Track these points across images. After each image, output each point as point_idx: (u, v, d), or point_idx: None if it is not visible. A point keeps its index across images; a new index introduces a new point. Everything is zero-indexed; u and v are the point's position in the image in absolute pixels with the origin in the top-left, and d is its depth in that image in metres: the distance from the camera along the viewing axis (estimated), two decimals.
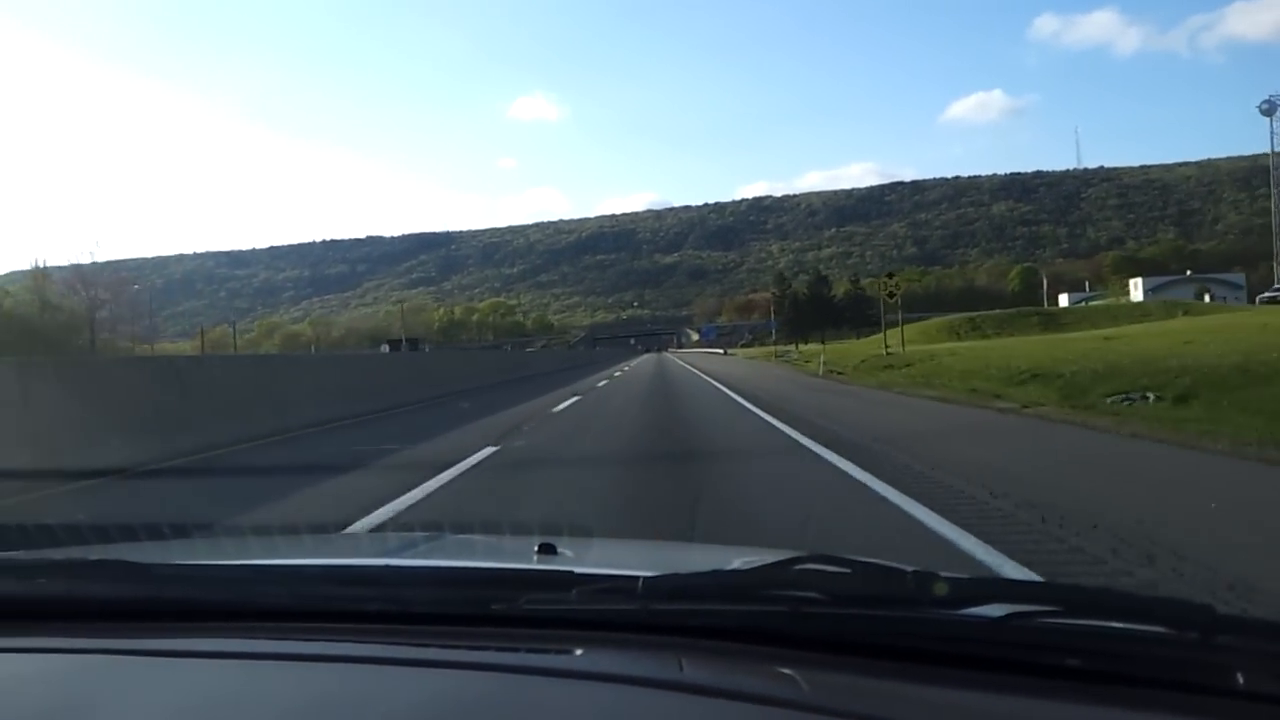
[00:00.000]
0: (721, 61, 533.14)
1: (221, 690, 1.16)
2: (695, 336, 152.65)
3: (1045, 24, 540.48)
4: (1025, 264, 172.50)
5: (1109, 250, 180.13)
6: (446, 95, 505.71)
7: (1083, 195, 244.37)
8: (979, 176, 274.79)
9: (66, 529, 3.66)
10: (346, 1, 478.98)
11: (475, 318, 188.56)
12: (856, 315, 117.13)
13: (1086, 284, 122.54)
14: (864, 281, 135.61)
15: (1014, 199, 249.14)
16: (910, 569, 1.19)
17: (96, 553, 1.79)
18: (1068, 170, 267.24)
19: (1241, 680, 0.97)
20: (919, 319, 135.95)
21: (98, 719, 1.06)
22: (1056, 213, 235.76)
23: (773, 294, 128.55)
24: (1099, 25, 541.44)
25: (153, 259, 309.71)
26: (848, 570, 1.20)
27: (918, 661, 1.08)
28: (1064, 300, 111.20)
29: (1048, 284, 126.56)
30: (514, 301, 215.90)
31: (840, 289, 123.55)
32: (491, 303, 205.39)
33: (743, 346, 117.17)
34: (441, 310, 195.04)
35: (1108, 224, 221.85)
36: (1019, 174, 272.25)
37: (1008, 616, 1.09)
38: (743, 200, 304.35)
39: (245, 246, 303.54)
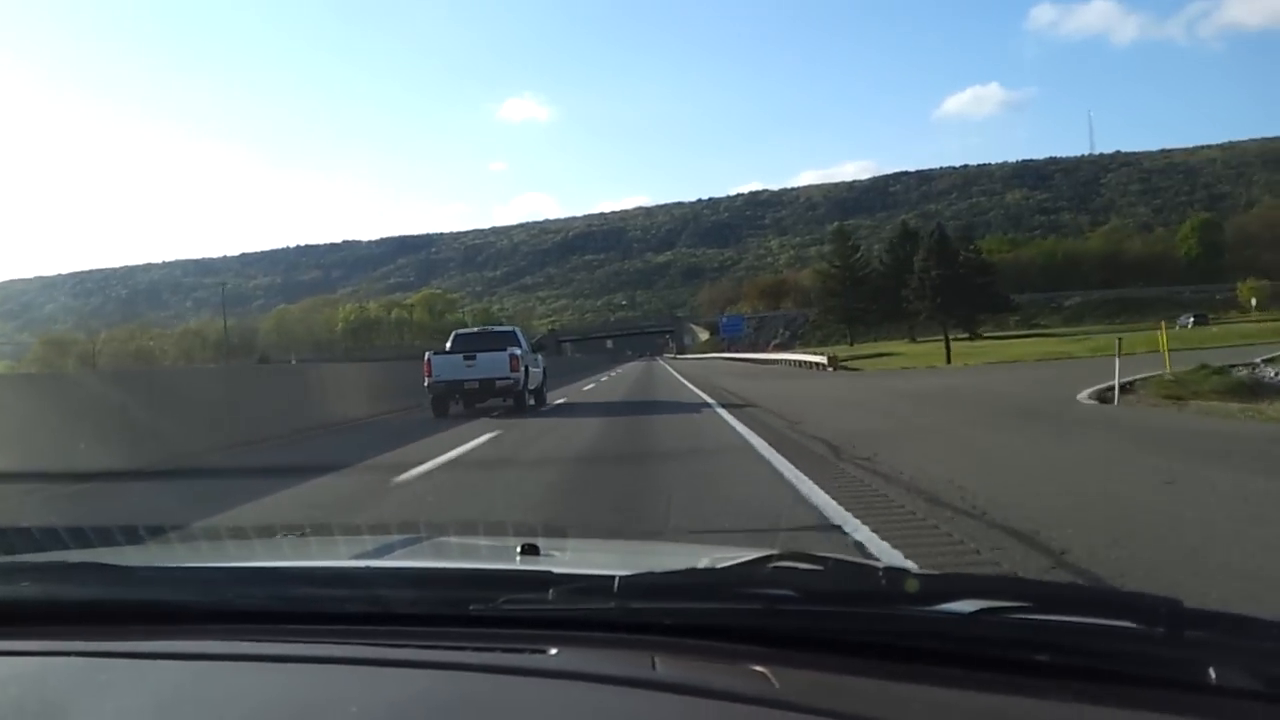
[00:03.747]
0: (712, 62, 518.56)
1: (200, 691, 1.17)
2: (704, 335, 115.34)
3: (1042, 14, 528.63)
4: (1203, 216, 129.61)
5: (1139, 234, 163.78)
6: (434, 97, 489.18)
7: (1101, 181, 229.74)
8: (989, 165, 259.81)
9: (45, 532, 3.72)
10: (334, 1, 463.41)
11: (394, 314, 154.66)
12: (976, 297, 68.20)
13: None
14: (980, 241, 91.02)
15: (1028, 187, 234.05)
16: (882, 566, 1.20)
17: (75, 556, 1.83)
18: (1084, 156, 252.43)
19: (1213, 675, 0.96)
20: (1052, 301, 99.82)
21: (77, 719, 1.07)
22: (1076, 199, 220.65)
23: (877, 261, 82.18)
24: (1097, 14, 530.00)
25: (119, 269, 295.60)
26: (820, 568, 1.20)
27: (889, 658, 1.08)
28: None
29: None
30: (455, 295, 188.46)
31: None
32: (425, 295, 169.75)
33: (773, 348, 76.22)
34: (349, 307, 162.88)
35: (1132, 209, 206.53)
36: (1032, 161, 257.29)
37: (979, 612, 1.09)
38: (738, 195, 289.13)
39: (216, 254, 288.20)
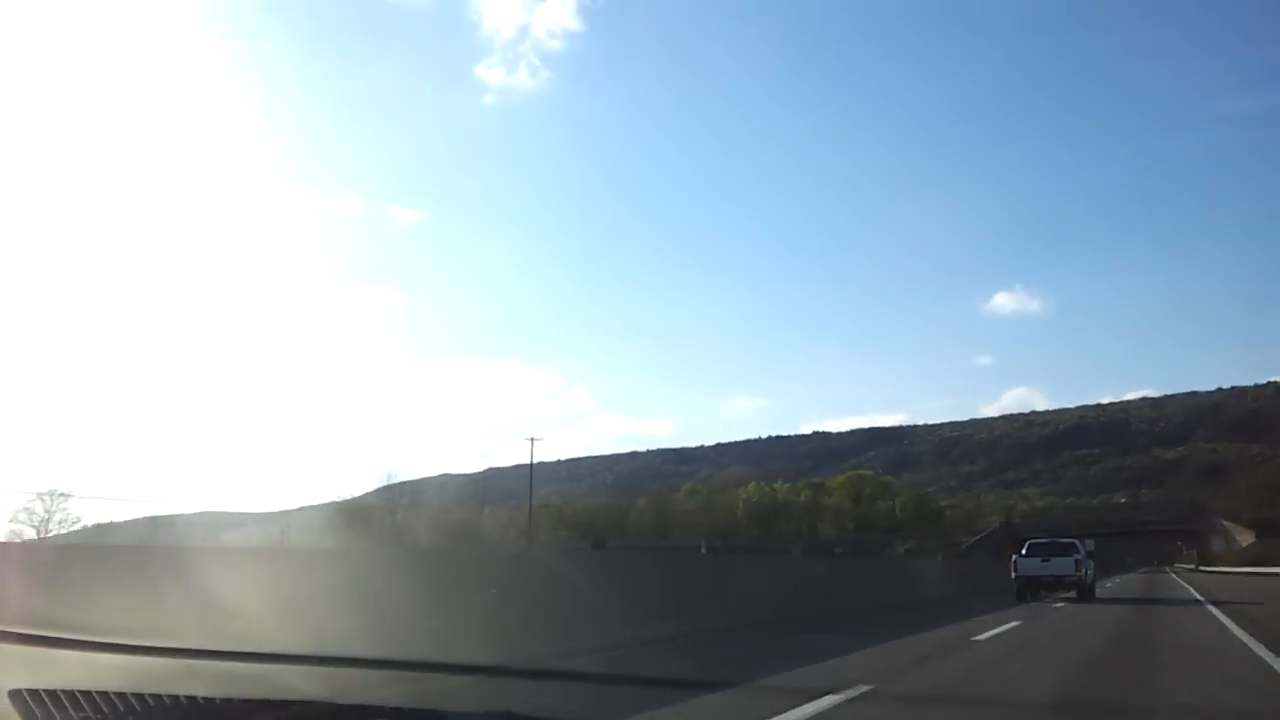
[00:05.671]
0: (1223, 239, 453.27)
1: None
2: (1246, 539, 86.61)
3: None
4: None
5: None
6: (918, 294, 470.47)
7: None
8: None
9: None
10: (826, 195, 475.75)
11: (803, 497, 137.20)
12: None
13: None
14: None
15: None
16: None
17: None
18: None
19: None
20: None
21: None
22: None
23: None
24: None
25: (607, 456, 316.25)
26: None
27: None
28: None
29: None
30: (887, 478, 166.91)
31: None
32: (849, 477, 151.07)
33: None
34: (753, 486, 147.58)
35: None
36: None
37: None
38: (1269, 383, 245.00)
39: (693, 444, 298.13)
